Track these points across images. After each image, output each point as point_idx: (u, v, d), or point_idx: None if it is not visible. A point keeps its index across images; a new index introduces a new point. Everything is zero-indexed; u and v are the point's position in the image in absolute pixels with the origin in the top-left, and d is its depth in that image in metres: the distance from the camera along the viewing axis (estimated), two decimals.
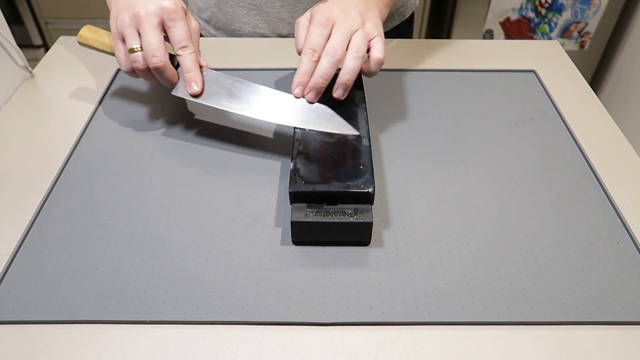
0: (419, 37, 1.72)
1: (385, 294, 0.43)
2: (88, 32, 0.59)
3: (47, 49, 1.84)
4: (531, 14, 1.56)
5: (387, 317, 0.42)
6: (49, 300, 0.43)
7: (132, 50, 0.52)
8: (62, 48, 0.76)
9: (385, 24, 0.83)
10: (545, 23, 1.58)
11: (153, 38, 0.52)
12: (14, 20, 1.75)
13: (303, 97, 0.54)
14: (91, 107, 0.64)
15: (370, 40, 0.54)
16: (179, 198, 0.52)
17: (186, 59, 0.53)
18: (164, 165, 0.55)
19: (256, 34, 0.79)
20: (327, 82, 0.53)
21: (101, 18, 1.76)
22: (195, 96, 0.54)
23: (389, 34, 0.84)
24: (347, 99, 0.56)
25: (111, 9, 0.56)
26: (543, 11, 1.55)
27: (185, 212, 0.50)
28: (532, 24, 1.58)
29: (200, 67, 0.55)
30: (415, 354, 0.40)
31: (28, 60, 0.69)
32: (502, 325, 0.41)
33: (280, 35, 0.79)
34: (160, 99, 0.65)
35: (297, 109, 0.53)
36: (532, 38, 1.62)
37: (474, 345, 0.40)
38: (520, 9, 1.55)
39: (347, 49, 0.52)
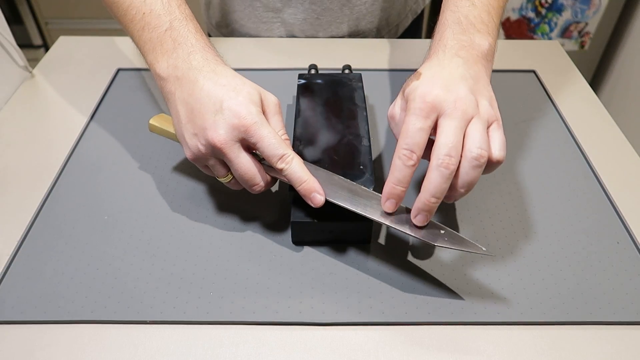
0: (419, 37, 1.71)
1: (385, 294, 0.43)
2: (161, 120, 0.50)
3: (47, 49, 1.84)
4: (531, 14, 1.56)
5: (387, 317, 0.42)
6: (49, 300, 0.43)
7: (225, 180, 0.45)
8: (62, 48, 0.76)
9: (402, 24, 0.83)
10: (545, 23, 1.58)
11: (242, 166, 0.42)
12: (14, 20, 1.75)
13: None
14: (91, 107, 0.64)
15: (487, 127, 0.41)
16: (179, 198, 0.52)
17: (290, 171, 0.42)
18: (164, 165, 0.55)
19: None
20: (439, 201, 0.39)
21: (101, 18, 1.76)
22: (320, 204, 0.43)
23: (401, 34, 0.84)
24: (347, 99, 0.56)
25: (174, 123, 0.45)
26: (543, 11, 1.55)
27: (185, 212, 0.50)
28: (532, 24, 1.58)
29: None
30: (415, 354, 0.40)
31: (28, 60, 0.69)
32: (502, 325, 0.41)
33: None
34: (160, 99, 0.65)
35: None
36: (532, 38, 1.62)
37: (474, 345, 0.40)
38: (520, 9, 1.55)
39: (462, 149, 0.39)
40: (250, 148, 0.43)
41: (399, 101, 0.44)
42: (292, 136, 0.52)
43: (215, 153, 0.43)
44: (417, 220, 0.41)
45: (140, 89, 0.67)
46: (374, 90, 0.67)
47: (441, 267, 0.45)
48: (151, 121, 0.50)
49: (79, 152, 0.57)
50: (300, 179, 0.42)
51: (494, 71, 0.70)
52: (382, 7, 0.76)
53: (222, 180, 0.45)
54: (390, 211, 0.41)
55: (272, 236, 0.48)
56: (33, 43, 1.84)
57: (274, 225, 0.49)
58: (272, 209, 0.50)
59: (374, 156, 0.56)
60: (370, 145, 0.50)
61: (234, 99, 0.41)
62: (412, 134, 0.39)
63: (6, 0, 1.70)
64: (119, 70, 0.70)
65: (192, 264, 0.45)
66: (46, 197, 0.51)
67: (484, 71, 0.44)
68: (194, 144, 0.43)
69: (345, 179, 0.44)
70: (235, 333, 0.41)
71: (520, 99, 0.66)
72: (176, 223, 0.49)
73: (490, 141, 0.40)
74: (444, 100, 0.39)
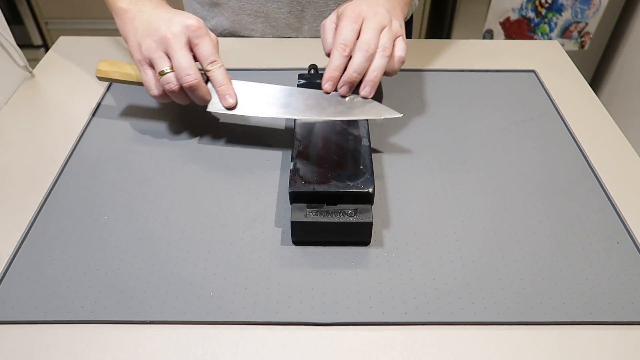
0: (419, 37, 1.72)
1: (385, 294, 0.43)
2: (106, 65, 0.58)
3: (47, 49, 1.84)
4: (531, 14, 1.56)
5: (387, 317, 0.42)
6: (49, 300, 0.43)
7: (162, 73, 0.52)
8: (62, 48, 0.76)
9: None
10: (545, 23, 1.58)
11: (183, 57, 0.51)
12: (14, 20, 1.75)
13: (335, 91, 0.54)
14: (91, 107, 0.64)
15: (395, 39, 0.55)
16: (179, 198, 0.52)
17: (216, 73, 0.54)
18: (164, 165, 0.55)
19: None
20: (360, 77, 0.53)
21: (101, 18, 1.76)
22: (231, 108, 0.54)
23: None
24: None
25: (128, 39, 0.55)
26: (543, 11, 1.55)
27: (185, 212, 0.50)
28: (532, 24, 1.58)
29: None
30: (415, 354, 0.40)
31: (28, 60, 0.69)
32: (502, 325, 0.41)
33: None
34: None
35: (331, 104, 0.54)
36: (532, 38, 1.62)
37: (474, 345, 0.40)
38: (520, 9, 1.55)
39: None
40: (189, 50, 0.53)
41: (332, 16, 0.57)
42: (293, 137, 0.52)
43: (164, 45, 0.52)
44: (342, 90, 0.54)
45: (140, 89, 0.67)
46: None
47: (441, 267, 0.45)
48: (99, 67, 0.58)
49: (79, 152, 0.57)
50: (220, 82, 0.54)
51: (494, 71, 0.71)
52: None
53: (160, 75, 0.52)
54: (329, 91, 0.54)
55: (272, 236, 0.48)
56: (33, 43, 1.83)
57: (273, 225, 0.49)
58: (272, 208, 0.50)
59: (374, 156, 0.56)
60: (370, 145, 0.50)
61: (185, 14, 0.54)
62: (346, 32, 0.53)
63: (6, 0, 1.70)
64: None
65: (192, 264, 0.45)
66: (46, 197, 0.51)
67: (399, 7, 0.59)
68: (147, 43, 0.52)
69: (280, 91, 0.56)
70: (235, 333, 0.41)
71: (520, 99, 0.66)
72: (176, 223, 0.49)
73: (395, 45, 0.54)
74: (367, 12, 0.54)
